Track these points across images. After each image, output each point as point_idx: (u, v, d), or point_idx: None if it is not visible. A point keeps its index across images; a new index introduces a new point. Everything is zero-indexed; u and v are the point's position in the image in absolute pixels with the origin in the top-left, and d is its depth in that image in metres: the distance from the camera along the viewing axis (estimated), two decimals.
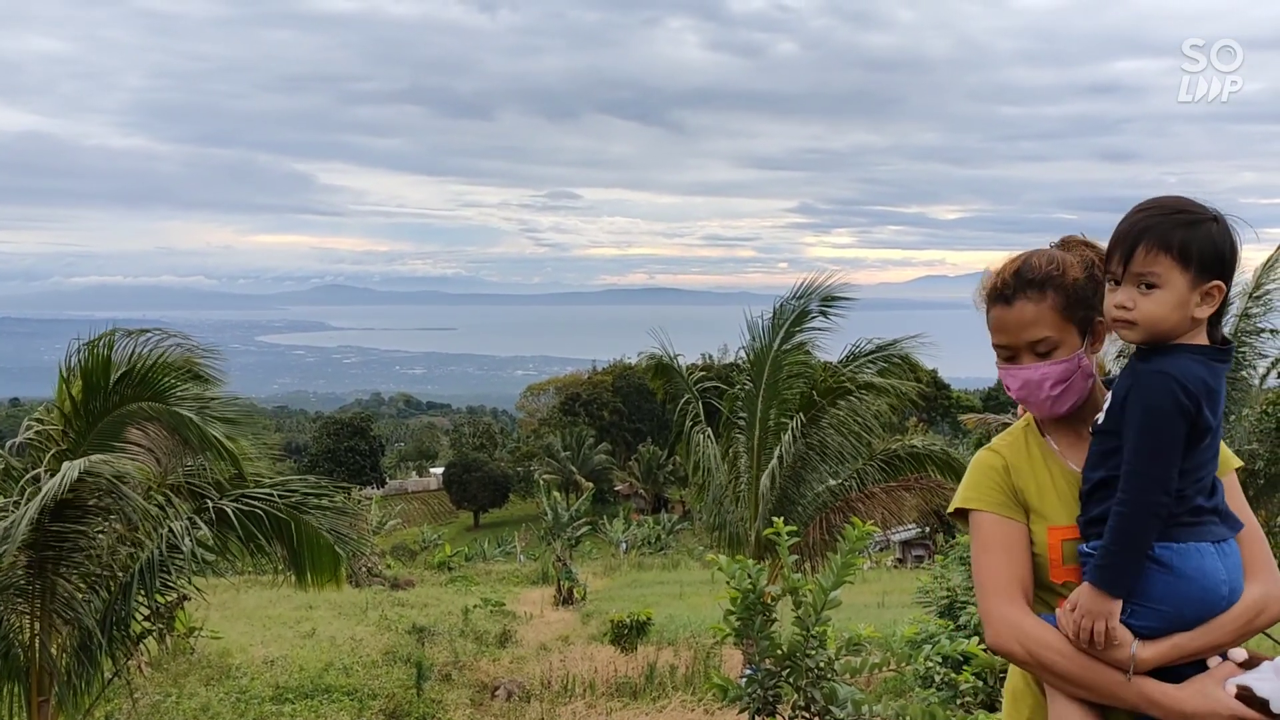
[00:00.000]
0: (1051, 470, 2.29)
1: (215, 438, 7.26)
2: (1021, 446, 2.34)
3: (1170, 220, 2.03)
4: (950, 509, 2.35)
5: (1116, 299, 2.06)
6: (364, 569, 27.69)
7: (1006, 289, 2.24)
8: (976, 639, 8.30)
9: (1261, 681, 1.98)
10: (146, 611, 7.41)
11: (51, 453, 6.90)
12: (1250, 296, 12.50)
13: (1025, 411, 2.39)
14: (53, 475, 6.26)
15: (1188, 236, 2.01)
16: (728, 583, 6.47)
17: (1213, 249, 2.02)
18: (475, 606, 21.66)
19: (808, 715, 6.11)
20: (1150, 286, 2.02)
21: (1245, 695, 1.98)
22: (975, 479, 2.31)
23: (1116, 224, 2.10)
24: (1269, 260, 12.41)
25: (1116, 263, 2.05)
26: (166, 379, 7.20)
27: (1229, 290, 2.08)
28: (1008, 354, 2.28)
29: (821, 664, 6.05)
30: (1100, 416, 2.14)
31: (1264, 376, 13.29)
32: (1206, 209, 2.07)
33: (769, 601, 6.37)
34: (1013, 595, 2.18)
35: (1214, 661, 2.06)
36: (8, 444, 7.37)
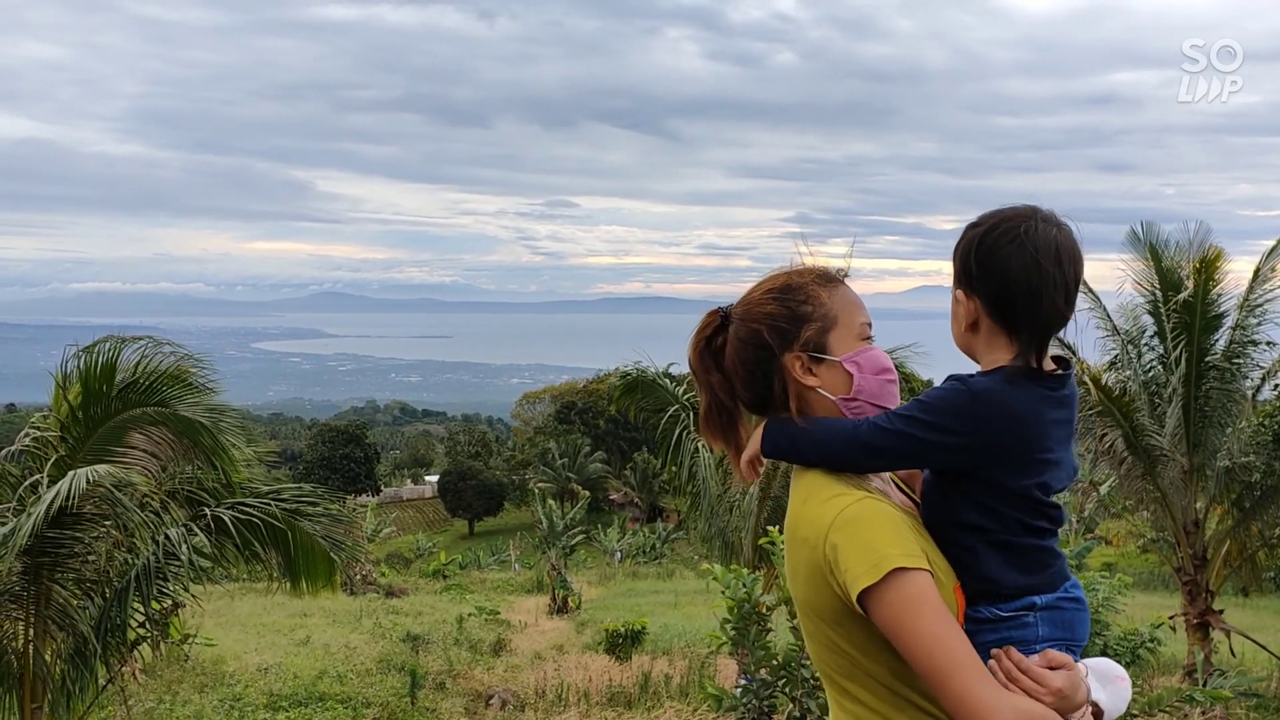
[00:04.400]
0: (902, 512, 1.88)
1: (227, 443, 7.27)
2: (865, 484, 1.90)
3: None
4: (876, 577, 1.68)
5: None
6: (358, 577, 27.64)
7: (843, 273, 2.05)
8: None
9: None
10: (141, 618, 7.40)
11: (51, 460, 6.90)
12: (1244, 307, 12.29)
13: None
14: (53, 482, 6.26)
15: None
16: (723, 592, 6.48)
17: None
18: (469, 615, 21.61)
19: None
20: None
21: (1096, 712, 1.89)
22: (890, 533, 1.74)
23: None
24: (1259, 270, 12.20)
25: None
26: (169, 386, 7.20)
27: None
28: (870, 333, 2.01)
29: (816, 674, 6.06)
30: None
31: (1257, 388, 13.17)
32: None
33: (764, 611, 6.38)
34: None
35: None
36: (4, 451, 7.36)
